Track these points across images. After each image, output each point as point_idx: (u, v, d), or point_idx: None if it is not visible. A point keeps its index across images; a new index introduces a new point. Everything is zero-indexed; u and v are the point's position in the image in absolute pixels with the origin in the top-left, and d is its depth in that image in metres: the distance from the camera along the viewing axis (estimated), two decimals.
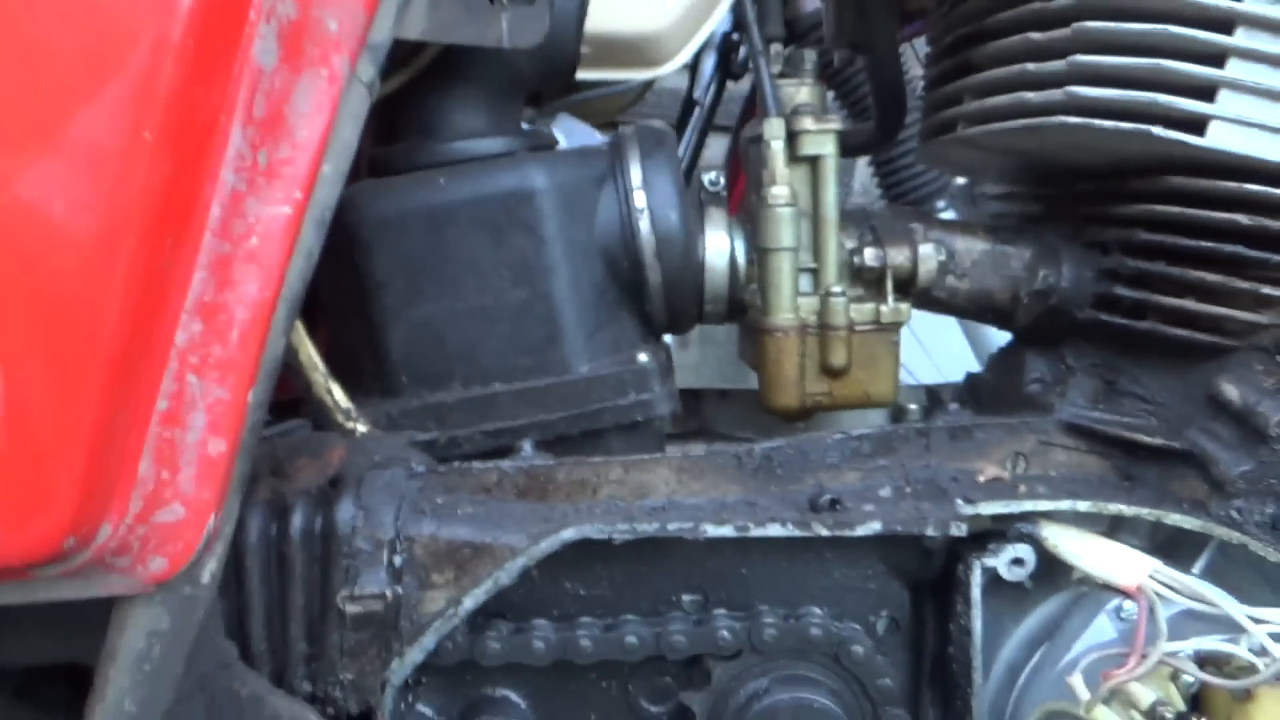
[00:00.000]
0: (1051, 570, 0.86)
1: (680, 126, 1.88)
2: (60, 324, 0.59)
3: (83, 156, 0.59)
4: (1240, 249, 0.81)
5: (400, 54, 0.92)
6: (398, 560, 0.79)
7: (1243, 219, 0.80)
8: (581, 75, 1.96)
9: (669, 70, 2.01)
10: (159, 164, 0.60)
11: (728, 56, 1.93)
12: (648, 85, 1.93)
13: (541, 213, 0.88)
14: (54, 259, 0.59)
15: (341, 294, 0.91)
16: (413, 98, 0.93)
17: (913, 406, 0.99)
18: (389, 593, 0.77)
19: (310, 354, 0.84)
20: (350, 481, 0.80)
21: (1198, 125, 0.78)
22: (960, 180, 1.57)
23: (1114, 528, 0.88)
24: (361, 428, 0.86)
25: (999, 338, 1.84)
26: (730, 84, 1.95)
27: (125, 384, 0.63)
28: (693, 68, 1.93)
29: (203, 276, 0.66)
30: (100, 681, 0.70)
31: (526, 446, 0.87)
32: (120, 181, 0.59)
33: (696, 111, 1.93)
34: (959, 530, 0.82)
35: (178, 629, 0.70)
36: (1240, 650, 0.70)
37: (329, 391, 0.85)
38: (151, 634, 0.70)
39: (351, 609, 0.77)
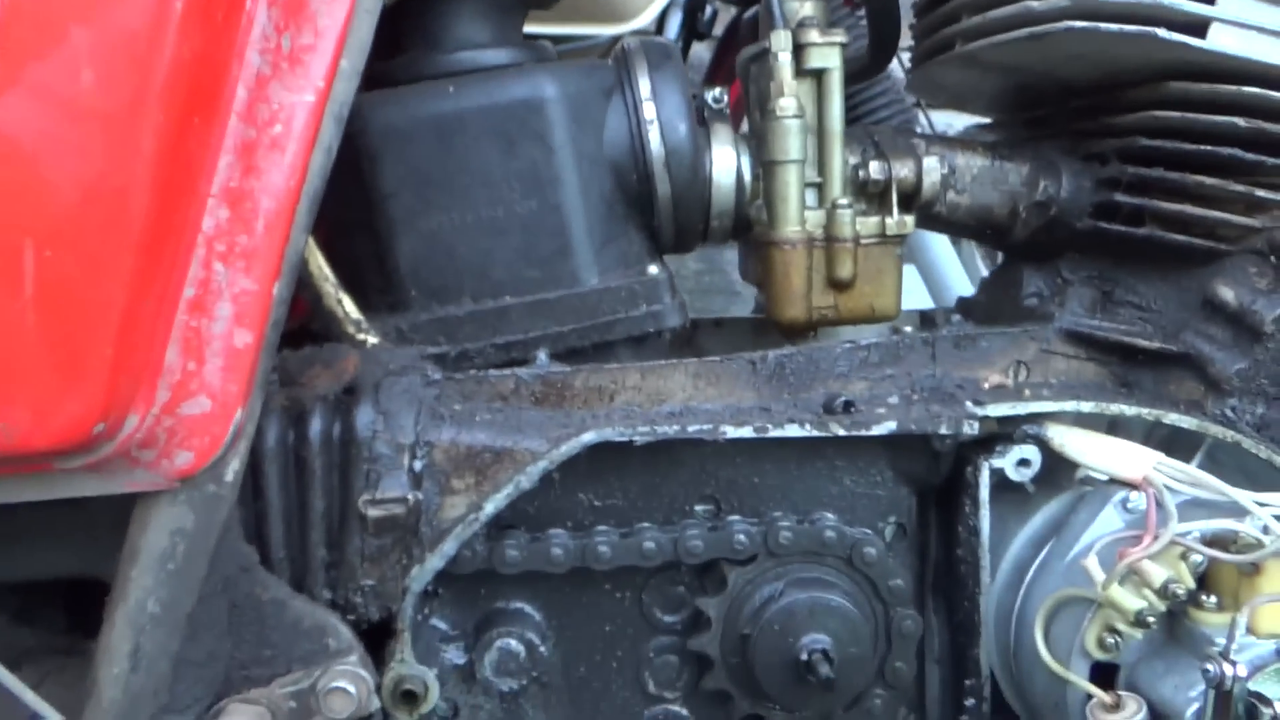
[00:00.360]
0: (1054, 473, 0.88)
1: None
2: (88, 202, 0.58)
3: (110, 28, 0.57)
4: (1237, 152, 0.83)
5: None
6: (418, 465, 0.78)
7: (1240, 122, 0.83)
8: (546, 29, 1.94)
9: (635, 26, 2.00)
10: (187, 37, 0.59)
11: (693, 15, 1.93)
12: (614, 41, 1.93)
13: (551, 122, 0.88)
14: (82, 135, 0.57)
15: (348, 206, 0.89)
16: (415, 9, 0.92)
17: (908, 329, 1.01)
18: (410, 497, 0.77)
19: (320, 264, 0.83)
20: (367, 388, 0.79)
21: (1199, 29, 0.80)
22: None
23: (1112, 430, 0.91)
24: (373, 339, 0.85)
25: (961, 288, 1.87)
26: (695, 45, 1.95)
27: (153, 267, 0.61)
28: (659, 28, 1.92)
29: (229, 161, 0.64)
30: (121, 582, 0.69)
31: (541, 356, 0.87)
32: (148, 54, 0.58)
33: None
34: (971, 429, 0.84)
35: (202, 528, 0.69)
36: (1246, 529, 0.73)
37: (339, 302, 0.84)
38: (175, 532, 0.68)
39: (373, 513, 0.76)
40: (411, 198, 0.88)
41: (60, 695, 0.73)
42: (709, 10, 1.94)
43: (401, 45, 0.95)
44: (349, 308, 0.85)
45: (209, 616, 0.71)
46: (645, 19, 2.05)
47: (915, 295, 2.02)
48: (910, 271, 2.18)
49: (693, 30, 1.90)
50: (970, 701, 0.89)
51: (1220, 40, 0.80)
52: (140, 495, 0.68)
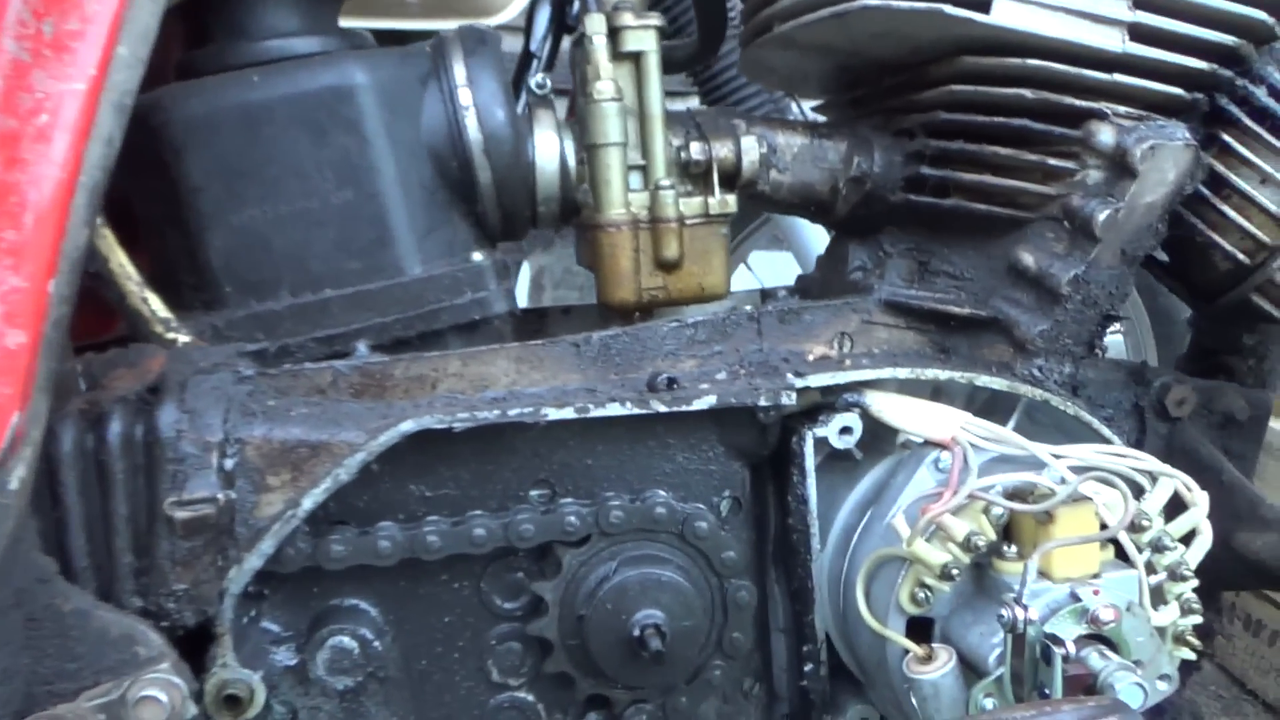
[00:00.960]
0: (879, 440, 0.91)
1: (517, 83, 1.88)
2: None
3: None
4: (1027, 122, 0.87)
5: None
6: (228, 463, 0.76)
7: (1028, 94, 0.86)
8: (413, 25, 1.91)
9: (502, 19, 1.98)
10: None
11: (562, 9, 1.93)
12: None
13: (363, 110, 0.86)
14: None
15: (155, 203, 0.86)
16: None
17: (748, 308, 1.03)
18: (221, 496, 0.75)
19: (122, 261, 0.80)
20: (172, 387, 0.77)
21: (984, 5, 0.84)
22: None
23: (936, 397, 0.94)
24: (183, 338, 0.82)
25: None
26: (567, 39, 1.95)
27: None
28: (528, 22, 1.91)
29: None
30: None
31: (361, 347, 0.86)
32: None
33: (533, 65, 1.92)
34: (789, 399, 0.86)
35: None
36: (1043, 480, 0.76)
37: (144, 300, 0.81)
38: None
39: (180, 515, 0.74)
40: (220, 191, 0.86)
41: None
42: (576, 4, 1.94)
43: (209, 36, 0.92)
44: (155, 306, 0.82)
45: (3, 632, 0.68)
46: (512, 12, 2.04)
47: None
48: (790, 258, 2.23)
49: (562, 24, 1.90)
50: (809, 666, 0.91)
51: (1003, 15, 0.84)
52: None
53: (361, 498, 0.84)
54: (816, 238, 2.03)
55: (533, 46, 1.96)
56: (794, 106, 1.87)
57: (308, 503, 0.77)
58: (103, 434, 0.73)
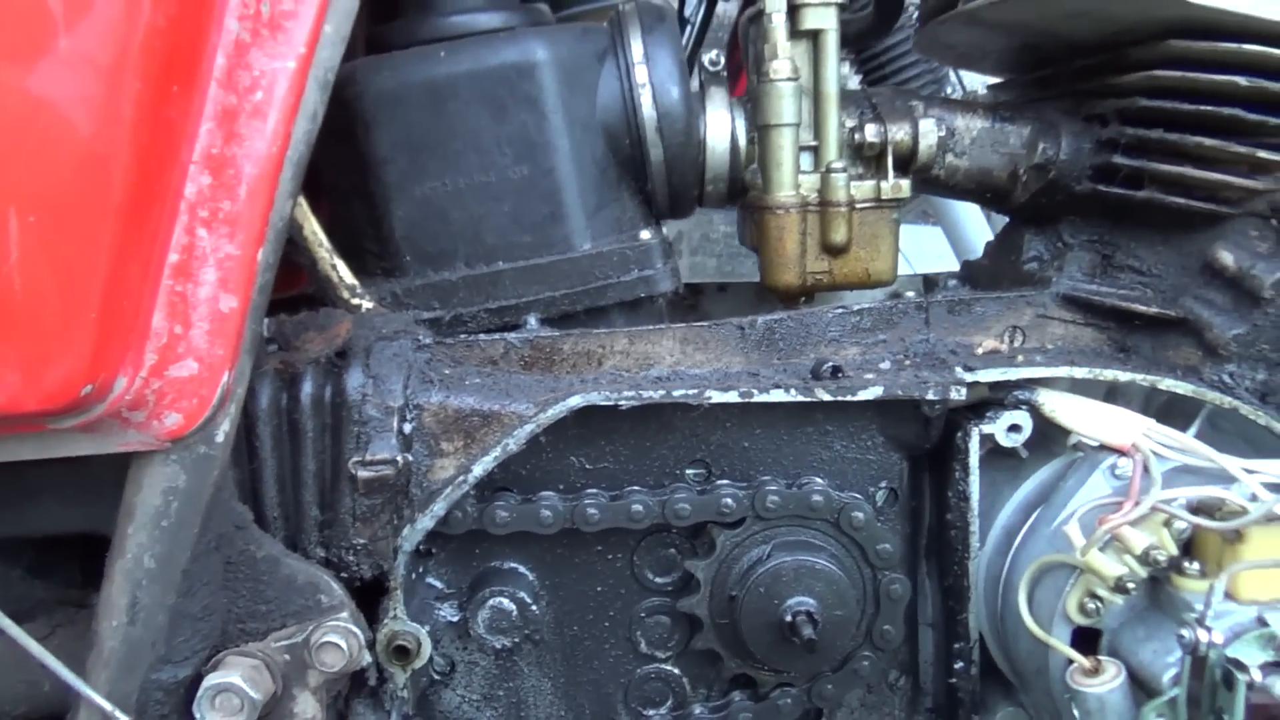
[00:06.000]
0: (1047, 439, 0.88)
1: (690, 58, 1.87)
2: (69, 168, 0.59)
3: None
4: (1239, 111, 0.81)
5: None
6: (407, 428, 0.80)
7: (1241, 80, 0.81)
8: None
9: None
10: (161, 5, 0.60)
11: None
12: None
13: (543, 86, 0.88)
14: (61, 102, 0.59)
15: (343, 172, 0.90)
16: None
17: (910, 293, 1.00)
18: (400, 458, 0.78)
19: (314, 229, 0.84)
20: (358, 352, 0.81)
21: None
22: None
23: (1110, 398, 0.90)
24: (367, 304, 0.86)
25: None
26: (722, 5, 1.92)
27: (136, 233, 0.63)
28: None
29: (210, 128, 0.66)
30: (119, 539, 0.72)
31: (532, 320, 0.88)
32: (124, 22, 0.59)
33: (687, 30, 1.91)
34: (959, 394, 0.83)
35: (194, 486, 0.71)
36: (1233, 496, 0.72)
37: (334, 267, 0.85)
38: (168, 491, 0.71)
39: (363, 474, 0.78)
40: (405, 163, 0.89)
41: (70, 646, 0.77)
42: None
43: (398, 8, 0.95)
44: (343, 273, 0.86)
45: (204, 572, 0.74)
46: None
47: (946, 258, 2.00)
48: (938, 233, 2.16)
49: None
50: (960, 664, 0.89)
51: None
52: (134, 455, 0.70)
53: (526, 466, 0.86)
54: (970, 216, 1.95)
55: (687, 12, 1.95)
56: (953, 78, 1.80)
57: (478, 469, 0.80)
58: (296, 394, 0.78)
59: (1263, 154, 0.83)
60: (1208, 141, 0.84)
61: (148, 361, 0.66)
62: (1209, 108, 0.82)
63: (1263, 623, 0.69)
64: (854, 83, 1.64)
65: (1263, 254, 0.84)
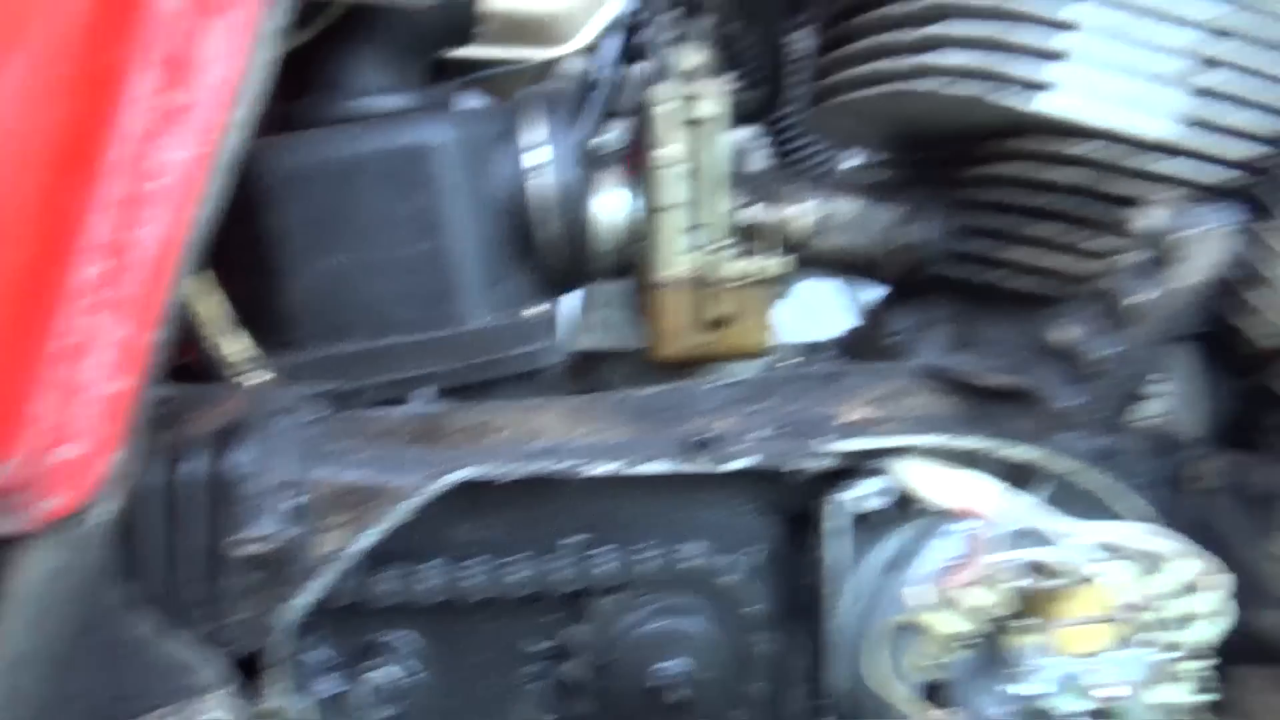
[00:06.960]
0: (907, 506, 0.94)
1: (584, 111, 1.92)
2: None
3: None
4: (1069, 205, 0.89)
5: (307, 10, 0.95)
6: (292, 503, 0.82)
7: (1074, 176, 0.88)
8: (482, 53, 1.97)
9: (571, 49, 2.03)
10: (60, 104, 0.63)
11: (631, 37, 1.96)
12: (550, 64, 1.96)
13: (440, 167, 0.92)
14: None
15: (242, 247, 0.93)
16: (319, 54, 0.96)
17: (789, 363, 1.06)
18: (281, 535, 0.81)
19: (209, 304, 0.87)
20: (247, 427, 0.83)
21: (1041, 85, 0.86)
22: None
23: (972, 465, 0.96)
24: (259, 378, 0.89)
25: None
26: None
27: (16, 322, 0.65)
28: (596, 49, 1.95)
29: (109, 215, 0.67)
30: None
31: (419, 395, 0.92)
32: (20, 114, 0.62)
33: (597, 92, 1.95)
34: (819, 464, 0.89)
35: (73, 569, 0.71)
36: (1060, 556, 0.79)
37: (226, 342, 0.88)
38: (46, 574, 0.71)
39: (242, 551, 0.80)
40: (307, 239, 0.93)
41: None
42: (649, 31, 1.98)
43: (305, 87, 0.99)
44: (237, 347, 0.89)
45: (79, 657, 0.75)
46: (582, 41, 2.08)
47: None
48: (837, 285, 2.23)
49: (630, 53, 1.94)
50: None
51: (1047, 105, 0.86)
52: (12, 536, 0.71)
53: (411, 537, 0.89)
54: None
55: (598, 75, 2.00)
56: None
57: (362, 543, 0.83)
58: (179, 471, 0.80)
59: (1097, 243, 0.91)
60: (1047, 230, 0.91)
61: (30, 445, 0.68)
62: (1045, 200, 0.90)
63: (1080, 675, 0.75)
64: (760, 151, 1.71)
65: (1098, 332, 0.92)
